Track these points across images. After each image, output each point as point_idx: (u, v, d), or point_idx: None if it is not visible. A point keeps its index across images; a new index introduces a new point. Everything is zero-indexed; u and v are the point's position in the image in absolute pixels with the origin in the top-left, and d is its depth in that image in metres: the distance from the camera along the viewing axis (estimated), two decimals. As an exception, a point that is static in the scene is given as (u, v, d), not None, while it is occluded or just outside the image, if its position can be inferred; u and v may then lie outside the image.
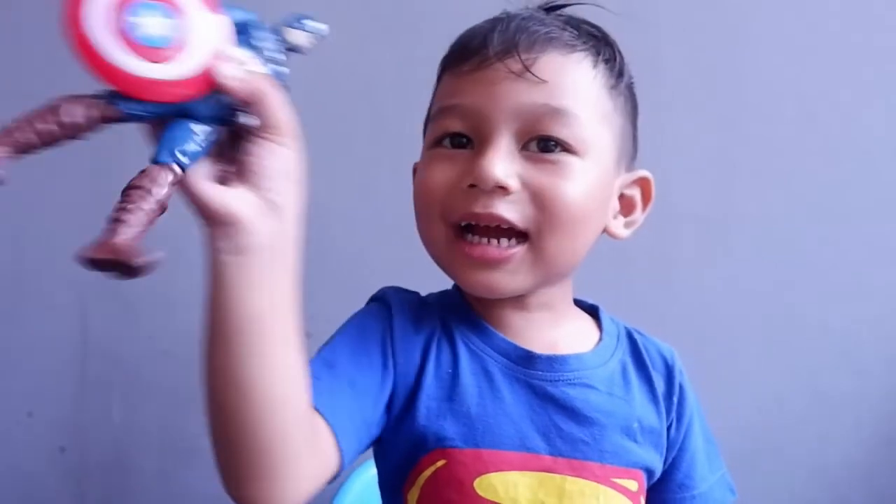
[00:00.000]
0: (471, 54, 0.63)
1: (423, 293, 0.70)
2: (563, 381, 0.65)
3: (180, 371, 1.24)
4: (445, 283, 0.69)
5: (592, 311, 0.73)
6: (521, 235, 0.62)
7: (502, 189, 0.60)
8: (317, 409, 0.55)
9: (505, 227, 0.61)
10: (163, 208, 0.42)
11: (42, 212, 1.24)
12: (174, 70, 0.43)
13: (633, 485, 0.65)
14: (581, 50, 0.63)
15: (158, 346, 1.24)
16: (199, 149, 0.44)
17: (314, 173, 1.22)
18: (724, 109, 1.22)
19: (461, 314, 0.67)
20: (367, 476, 0.98)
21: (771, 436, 1.21)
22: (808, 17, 1.22)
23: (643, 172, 0.69)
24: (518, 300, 0.66)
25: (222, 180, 0.46)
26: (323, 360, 0.60)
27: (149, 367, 1.24)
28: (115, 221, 0.41)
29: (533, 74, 0.61)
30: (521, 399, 0.64)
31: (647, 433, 0.67)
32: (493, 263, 0.61)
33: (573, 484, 0.62)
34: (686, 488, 0.71)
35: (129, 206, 0.41)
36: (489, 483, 0.61)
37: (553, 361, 0.65)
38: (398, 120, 1.24)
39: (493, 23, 0.65)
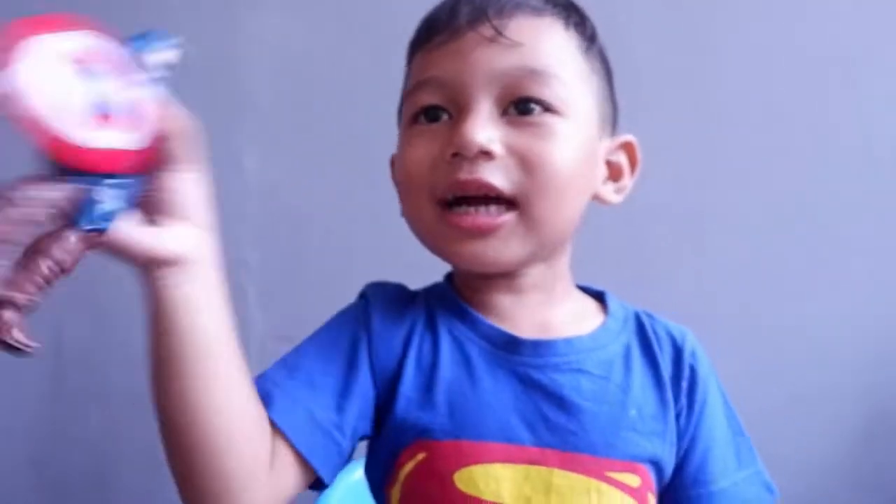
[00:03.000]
0: (440, 28, 0.62)
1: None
2: (549, 366, 0.61)
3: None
4: (426, 281, 0.69)
5: (599, 296, 0.69)
6: (510, 204, 0.59)
7: (486, 154, 0.58)
8: (275, 424, 0.55)
9: (493, 195, 0.58)
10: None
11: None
12: (130, 139, 0.42)
13: (633, 480, 0.61)
14: (551, 14, 0.62)
15: (136, 353, 1.21)
16: (124, 206, 0.43)
17: (292, 182, 1.22)
18: (698, 110, 1.23)
19: (447, 303, 0.65)
20: (350, 480, 0.98)
21: (749, 432, 1.22)
22: (781, 19, 1.23)
23: (627, 137, 0.67)
24: (509, 282, 0.64)
25: (149, 223, 0.47)
26: (285, 365, 0.59)
27: (126, 375, 1.21)
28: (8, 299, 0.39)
29: (505, 37, 0.59)
30: (505, 387, 0.61)
31: (650, 421, 0.63)
32: (484, 232, 0.59)
33: (562, 478, 0.59)
34: (700, 483, 0.65)
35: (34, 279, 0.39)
36: (470, 476, 0.58)
37: (539, 346, 0.62)
38: (374, 127, 1.24)
39: None
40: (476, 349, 0.62)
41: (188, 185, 0.47)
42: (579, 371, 0.62)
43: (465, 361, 0.61)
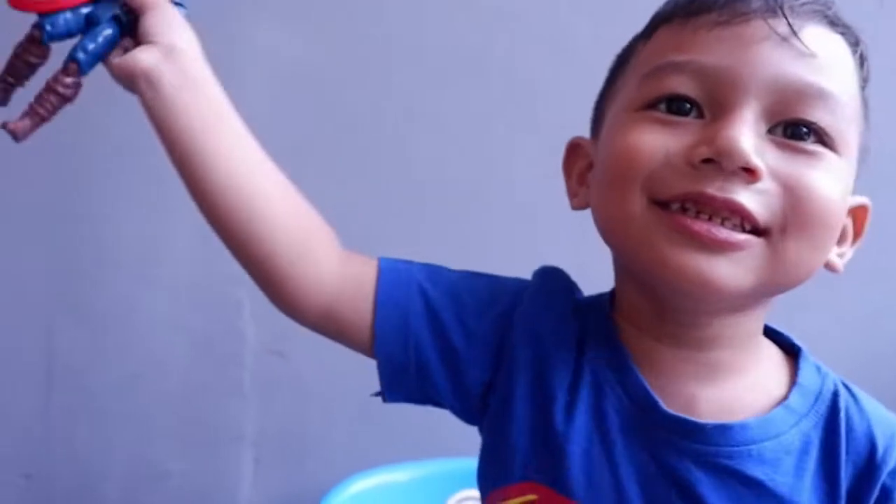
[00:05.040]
0: (718, 4, 0.50)
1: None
2: (691, 453, 0.51)
3: (148, 395, 1.21)
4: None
5: (791, 351, 0.57)
6: (754, 231, 0.49)
7: (749, 172, 0.48)
8: (379, 265, 0.59)
9: (735, 220, 0.48)
10: (65, 97, 0.56)
11: (5, 231, 1.21)
12: None
13: None
14: (844, 33, 0.52)
15: (126, 369, 1.21)
16: (96, 43, 0.56)
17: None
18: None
19: (602, 329, 0.56)
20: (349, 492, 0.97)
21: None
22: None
23: (864, 199, 0.56)
24: (693, 328, 0.53)
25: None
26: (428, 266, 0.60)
27: (117, 391, 1.21)
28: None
29: (801, 41, 0.49)
30: (636, 461, 0.52)
31: None
32: (719, 247, 0.48)
33: None
34: None
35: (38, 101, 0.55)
36: None
37: (683, 424, 0.51)
38: (370, 142, 1.24)
39: None
40: (615, 404, 0.53)
41: (150, 17, 0.56)
42: (732, 471, 0.51)
43: (601, 414, 0.53)
